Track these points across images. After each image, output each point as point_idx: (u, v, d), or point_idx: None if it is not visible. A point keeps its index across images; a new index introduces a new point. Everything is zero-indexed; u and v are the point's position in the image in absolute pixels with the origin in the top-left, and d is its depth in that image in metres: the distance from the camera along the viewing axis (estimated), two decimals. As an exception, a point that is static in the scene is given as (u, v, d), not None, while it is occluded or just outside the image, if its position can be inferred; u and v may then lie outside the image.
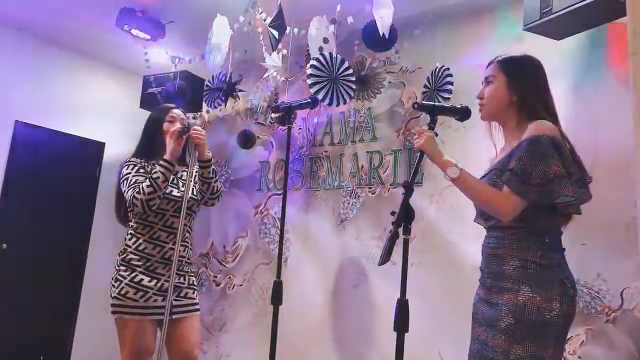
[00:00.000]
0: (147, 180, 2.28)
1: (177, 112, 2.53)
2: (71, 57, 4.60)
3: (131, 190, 2.30)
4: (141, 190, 2.26)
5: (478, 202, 1.76)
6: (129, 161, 2.44)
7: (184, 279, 2.43)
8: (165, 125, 2.46)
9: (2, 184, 4.16)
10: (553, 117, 1.75)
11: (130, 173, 2.37)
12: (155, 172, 2.29)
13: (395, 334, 1.58)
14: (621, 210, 2.34)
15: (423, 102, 2.00)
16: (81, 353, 4.50)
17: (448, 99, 2.97)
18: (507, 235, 1.68)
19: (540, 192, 1.57)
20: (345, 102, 3.28)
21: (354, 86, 3.26)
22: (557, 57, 2.66)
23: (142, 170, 2.38)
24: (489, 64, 1.86)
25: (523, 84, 1.77)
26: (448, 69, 3.02)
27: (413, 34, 3.19)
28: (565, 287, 1.61)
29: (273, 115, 3.40)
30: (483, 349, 1.66)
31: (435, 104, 2.14)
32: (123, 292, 2.28)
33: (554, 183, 1.56)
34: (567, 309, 1.59)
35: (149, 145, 2.48)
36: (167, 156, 2.33)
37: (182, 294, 2.39)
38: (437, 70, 3.05)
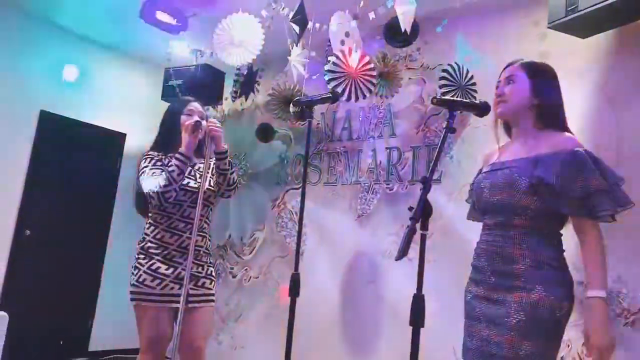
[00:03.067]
0: (163, 173, 2.31)
1: (195, 105, 2.55)
2: (95, 49, 4.68)
3: (148, 183, 2.34)
4: (157, 183, 2.30)
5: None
6: (147, 154, 2.47)
7: (202, 269, 2.45)
8: (183, 118, 2.48)
9: (26, 172, 4.26)
10: (566, 127, 1.79)
11: (147, 166, 2.40)
12: (171, 165, 2.32)
13: (409, 329, 1.59)
14: (644, 212, 2.30)
15: (442, 97, 1.98)
16: (100, 340, 4.60)
17: (474, 97, 2.95)
18: (516, 234, 1.69)
19: (580, 205, 1.61)
20: (365, 97, 3.27)
21: (374, 80, 3.24)
22: (581, 56, 2.62)
23: (159, 163, 2.41)
24: (509, 65, 1.87)
25: (546, 90, 1.79)
26: (472, 75, 3.01)
27: (435, 31, 3.17)
28: (572, 288, 1.67)
29: (293, 109, 3.40)
30: (484, 345, 1.68)
31: (455, 99, 2.12)
32: (141, 279, 2.32)
33: (595, 198, 1.59)
34: (571, 308, 1.65)
35: (167, 138, 2.50)
36: (182, 149, 2.35)
37: (199, 283, 2.42)
38: (460, 67, 3.03)
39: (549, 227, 1.68)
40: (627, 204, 1.62)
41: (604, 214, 1.61)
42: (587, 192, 1.59)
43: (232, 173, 2.53)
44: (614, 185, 1.61)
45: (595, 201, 1.60)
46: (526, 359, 1.58)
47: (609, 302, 1.54)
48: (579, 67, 2.61)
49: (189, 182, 2.43)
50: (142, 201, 2.48)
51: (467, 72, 3.02)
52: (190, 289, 2.33)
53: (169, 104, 2.75)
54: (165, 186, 2.29)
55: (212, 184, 2.52)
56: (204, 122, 2.47)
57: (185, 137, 2.37)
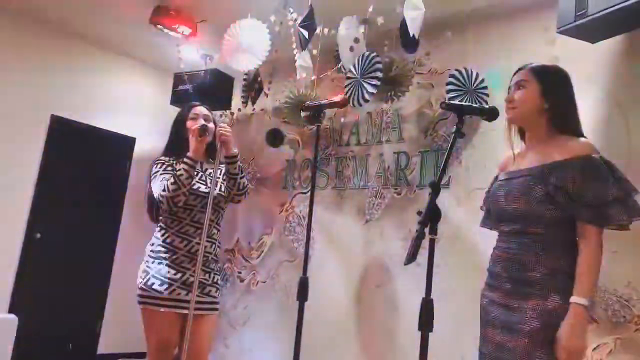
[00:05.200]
0: (172, 177, 2.32)
1: (199, 109, 2.56)
2: (104, 54, 4.73)
3: (158, 188, 2.35)
4: (166, 188, 2.31)
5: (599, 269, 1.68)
6: (158, 160, 2.50)
7: (209, 276, 2.45)
8: (189, 123, 2.50)
9: (37, 176, 4.30)
10: (580, 131, 1.77)
11: (158, 171, 2.42)
12: (179, 169, 2.33)
13: (418, 334, 1.58)
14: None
15: (451, 102, 1.98)
16: (109, 343, 4.61)
17: (486, 102, 2.95)
18: (531, 242, 1.69)
19: (596, 213, 1.60)
20: (366, 101, 3.24)
21: (377, 82, 3.21)
22: (590, 61, 2.61)
23: (169, 168, 2.42)
24: (519, 70, 1.86)
25: (556, 93, 1.78)
26: (483, 78, 3.01)
27: (444, 35, 3.17)
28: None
29: (303, 114, 3.40)
30: (497, 350, 1.68)
31: (463, 104, 2.12)
32: (149, 283, 2.33)
33: (612, 207, 1.59)
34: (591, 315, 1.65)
35: (176, 143, 2.52)
36: (190, 154, 2.36)
37: (205, 291, 2.42)
38: (469, 71, 3.02)
39: (565, 234, 1.67)
40: (638, 215, 1.61)
41: (618, 223, 1.61)
42: (603, 200, 1.59)
43: (242, 177, 2.53)
44: (628, 194, 1.61)
45: (610, 210, 1.59)
46: None
47: (591, 310, 1.55)
48: (589, 72, 2.60)
49: (199, 187, 2.44)
50: (153, 206, 2.50)
51: (477, 76, 3.01)
52: (197, 296, 2.33)
53: (178, 108, 2.78)
54: (174, 190, 2.30)
55: (222, 189, 2.53)
56: (211, 125, 2.48)
57: (192, 141, 2.39)
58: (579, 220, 1.64)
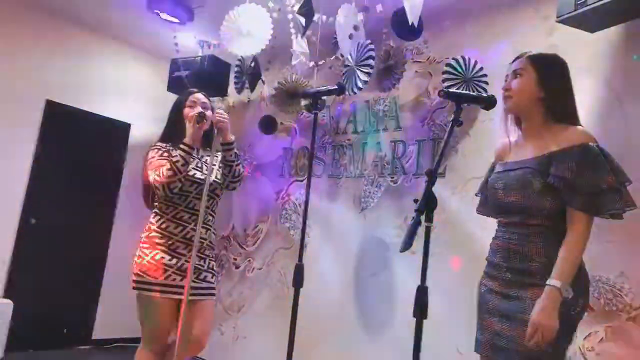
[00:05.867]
0: (168, 164, 2.32)
1: (197, 96, 2.56)
2: (100, 39, 4.68)
3: (153, 173, 2.35)
4: (161, 174, 2.31)
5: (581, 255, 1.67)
6: (154, 145, 2.50)
7: (204, 262, 2.46)
8: (186, 110, 2.50)
9: (32, 162, 4.28)
10: (576, 119, 1.77)
11: (154, 157, 2.43)
12: (176, 156, 2.33)
13: (413, 321, 1.59)
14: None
15: (449, 90, 1.98)
16: (104, 328, 4.63)
17: (485, 90, 2.94)
18: (532, 232, 1.70)
19: (589, 202, 1.61)
20: (359, 89, 3.24)
21: (369, 70, 3.20)
22: (589, 50, 2.60)
23: (166, 154, 2.42)
24: (517, 58, 1.86)
25: (553, 82, 1.78)
26: (481, 67, 2.99)
27: (442, 23, 3.15)
28: (587, 286, 1.69)
29: (304, 102, 3.39)
30: (495, 339, 1.70)
31: (461, 92, 2.11)
32: (144, 269, 2.34)
33: (605, 196, 1.60)
34: (586, 304, 1.67)
35: (173, 129, 2.53)
36: (186, 140, 2.36)
37: (201, 277, 2.43)
38: (466, 60, 3.01)
39: (564, 225, 1.67)
40: (632, 205, 1.62)
41: (613, 212, 1.62)
42: (598, 189, 1.59)
43: (237, 165, 2.53)
44: (622, 184, 1.62)
45: (603, 199, 1.60)
46: (536, 354, 1.58)
47: (564, 293, 1.56)
48: (588, 62, 2.60)
49: (195, 174, 2.44)
50: (149, 192, 2.50)
51: (475, 64, 3.00)
52: (192, 281, 2.34)
53: (174, 95, 2.77)
54: (169, 176, 2.30)
55: (218, 176, 2.53)
56: (208, 112, 2.48)
57: (189, 128, 2.39)
58: (570, 207, 1.64)
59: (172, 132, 2.51)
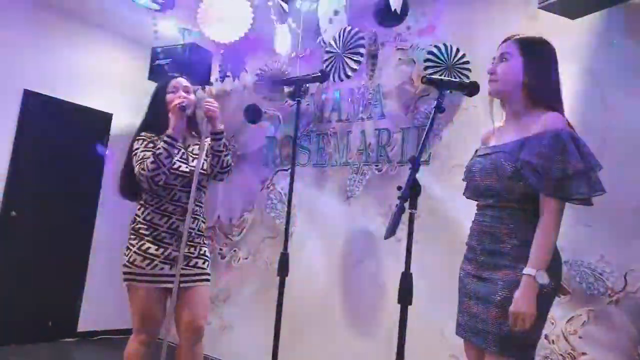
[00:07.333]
0: (152, 156, 2.27)
1: (179, 80, 2.49)
2: (80, 27, 4.58)
3: (137, 166, 2.31)
4: (146, 167, 2.26)
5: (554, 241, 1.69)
6: (139, 136, 2.43)
7: (195, 249, 2.43)
8: (169, 96, 2.43)
9: (11, 152, 4.19)
10: (560, 104, 1.78)
11: (139, 148, 2.36)
12: (159, 147, 2.27)
13: (398, 307, 1.60)
14: (629, 194, 2.34)
15: (432, 76, 1.97)
16: (88, 320, 4.59)
17: (468, 77, 2.93)
18: (504, 215, 1.73)
19: (557, 186, 1.61)
20: (348, 77, 3.22)
21: (359, 58, 3.19)
22: (570, 37, 2.61)
23: (150, 145, 2.36)
24: (505, 41, 1.85)
25: (538, 67, 1.78)
26: (464, 53, 2.99)
27: (425, 9, 3.14)
28: (559, 267, 1.71)
29: (287, 89, 3.35)
30: (473, 321, 1.74)
31: (443, 78, 2.11)
32: (132, 259, 2.32)
33: (572, 180, 1.60)
34: (557, 285, 1.69)
35: (155, 118, 2.45)
36: (169, 131, 2.29)
37: (191, 264, 2.40)
38: (448, 47, 3.01)
39: (536, 207, 1.68)
40: (600, 190, 1.63)
41: (579, 197, 1.63)
42: (565, 173, 1.60)
43: (226, 155, 2.48)
44: (591, 169, 1.62)
45: (572, 183, 1.61)
46: (511, 335, 1.61)
47: (540, 280, 1.58)
48: (569, 48, 2.60)
49: (180, 166, 2.38)
50: (133, 183, 2.43)
51: (458, 51, 2.99)
52: (182, 269, 2.32)
53: (155, 83, 2.70)
54: (153, 170, 2.25)
55: (204, 167, 2.48)
56: (191, 97, 2.43)
57: (172, 118, 2.33)
58: (541, 192, 1.65)
59: (155, 121, 2.43)
